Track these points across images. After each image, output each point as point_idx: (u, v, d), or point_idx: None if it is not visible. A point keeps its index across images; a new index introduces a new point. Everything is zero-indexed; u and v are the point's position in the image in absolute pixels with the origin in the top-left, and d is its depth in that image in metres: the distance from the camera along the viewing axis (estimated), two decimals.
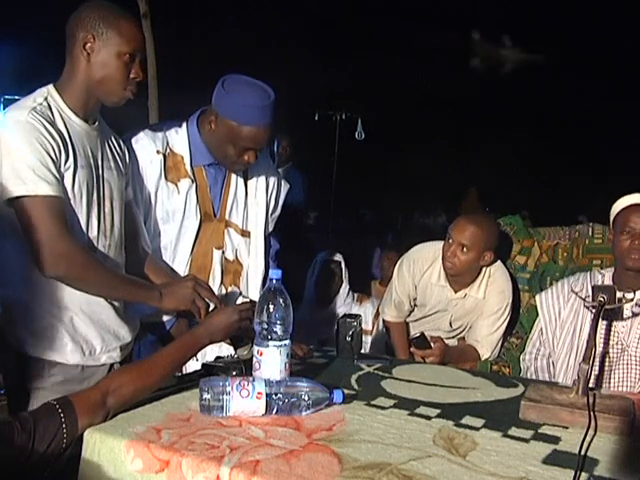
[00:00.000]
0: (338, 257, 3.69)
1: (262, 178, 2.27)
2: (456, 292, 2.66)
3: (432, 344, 2.38)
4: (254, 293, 2.22)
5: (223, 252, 2.18)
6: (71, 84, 1.74)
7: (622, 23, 8.14)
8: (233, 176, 2.19)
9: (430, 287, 2.69)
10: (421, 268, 2.70)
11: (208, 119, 2.06)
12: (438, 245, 2.67)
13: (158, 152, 2.06)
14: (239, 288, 2.23)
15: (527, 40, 8.89)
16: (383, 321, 2.94)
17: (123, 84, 1.75)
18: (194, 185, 2.11)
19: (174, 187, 2.08)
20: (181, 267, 2.10)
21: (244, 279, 2.24)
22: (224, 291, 2.19)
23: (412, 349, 2.43)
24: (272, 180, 2.31)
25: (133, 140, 2.05)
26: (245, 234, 2.23)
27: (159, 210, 2.07)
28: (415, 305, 2.80)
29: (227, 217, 2.19)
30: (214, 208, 2.16)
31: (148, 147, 2.05)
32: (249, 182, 2.24)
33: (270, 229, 2.36)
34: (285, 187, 2.39)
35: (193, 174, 2.11)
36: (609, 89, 8.64)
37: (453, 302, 2.67)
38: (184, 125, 2.13)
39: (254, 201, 2.25)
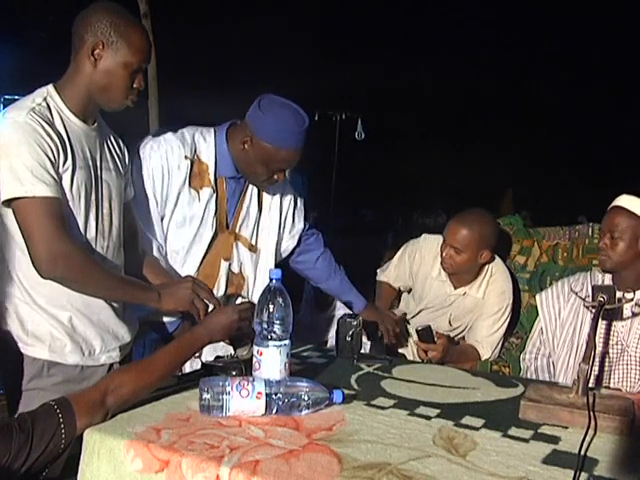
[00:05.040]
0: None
1: (277, 197, 2.30)
2: (456, 289, 2.66)
3: (436, 339, 2.39)
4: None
5: (230, 264, 2.20)
6: (73, 85, 1.74)
7: (622, 24, 8.15)
8: (249, 191, 2.22)
9: (430, 280, 2.70)
10: (422, 258, 2.72)
11: (241, 138, 2.07)
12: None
13: (186, 157, 2.07)
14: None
15: (528, 41, 8.89)
16: (377, 282, 2.96)
17: (125, 93, 1.76)
18: (215, 195, 2.13)
19: (196, 194, 2.10)
20: (189, 273, 2.10)
21: (245, 292, 2.26)
22: (227, 299, 2.20)
23: (416, 340, 2.44)
24: (287, 199, 2.35)
25: (162, 140, 2.06)
26: (252, 248, 2.26)
27: (177, 214, 2.09)
28: (410, 292, 2.83)
29: (237, 230, 2.21)
30: (227, 220, 2.19)
31: (177, 151, 2.06)
32: (264, 199, 2.27)
33: (294, 244, 2.41)
34: (301, 201, 2.42)
35: (215, 184, 2.13)
36: (609, 90, 8.64)
37: (452, 298, 2.68)
38: (212, 134, 2.14)
39: (267, 218, 2.28)
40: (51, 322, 1.71)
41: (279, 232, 2.31)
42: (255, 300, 2.22)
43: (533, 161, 8.83)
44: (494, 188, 6.75)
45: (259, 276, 2.27)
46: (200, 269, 2.13)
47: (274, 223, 2.29)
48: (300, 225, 2.41)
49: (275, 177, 2.11)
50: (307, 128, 2.04)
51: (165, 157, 2.04)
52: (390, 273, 2.88)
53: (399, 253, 2.85)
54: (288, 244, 2.40)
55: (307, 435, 1.37)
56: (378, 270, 3.00)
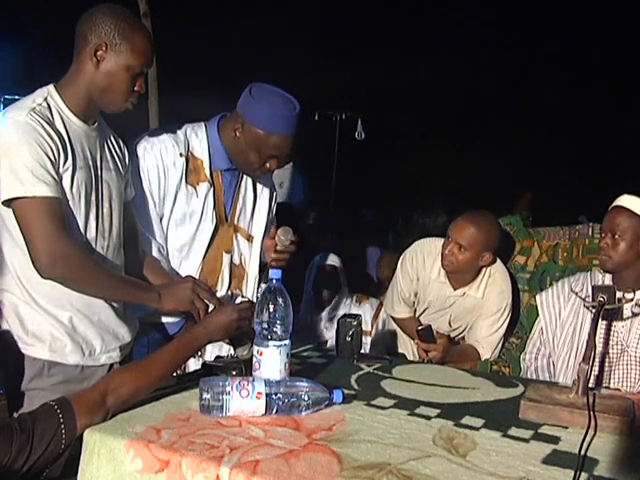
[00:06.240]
0: (335, 261, 3.65)
1: (267, 187, 2.33)
2: (455, 289, 2.66)
3: (437, 339, 2.39)
4: (251, 297, 2.24)
5: (231, 256, 2.21)
6: (74, 85, 1.74)
7: (622, 24, 8.15)
8: (244, 182, 2.23)
9: (430, 282, 2.69)
10: (424, 261, 2.71)
11: (233, 126, 2.08)
12: (441, 241, 2.66)
13: (181, 155, 2.08)
14: (242, 292, 2.25)
15: (528, 41, 8.89)
16: (393, 319, 2.89)
17: (126, 96, 1.76)
18: (212, 189, 2.14)
19: (193, 190, 2.10)
20: (193, 269, 2.11)
21: (244, 284, 2.27)
22: (231, 294, 2.20)
23: (416, 340, 2.44)
24: (273, 190, 2.39)
25: (155, 140, 2.06)
26: (250, 239, 2.27)
27: (176, 212, 2.09)
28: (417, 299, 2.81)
29: (236, 222, 2.23)
30: (226, 212, 2.20)
31: (172, 149, 2.06)
32: (257, 189, 2.29)
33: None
34: (277, 195, 2.46)
35: (212, 178, 2.14)
36: (609, 90, 8.64)
37: (451, 299, 2.67)
38: (203, 129, 2.15)
39: (260, 207, 2.30)
40: (51, 322, 1.71)
41: (267, 220, 2.33)
42: (252, 293, 2.26)
43: (533, 161, 8.82)
44: (494, 188, 6.75)
45: (254, 265, 2.28)
46: (203, 264, 2.14)
47: (264, 212, 2.31)
48: (273, 220, 2.42)
49: (267, 165, 2.11)
50: (298, 114, 2.05)
51: (160, 157, 2.04)
52: (400, 299, 2.78)
53: (399, 269, 2.79)
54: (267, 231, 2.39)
55: (307, 435, 1.37)
56: (387, 309, 2.92)
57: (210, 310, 1.86)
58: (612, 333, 2.20)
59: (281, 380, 1.52)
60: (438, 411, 1.57)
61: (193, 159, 2.11)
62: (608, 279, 2.25)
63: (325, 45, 8.61)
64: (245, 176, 2.23)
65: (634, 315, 2.18)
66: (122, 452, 1.30)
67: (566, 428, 1.49)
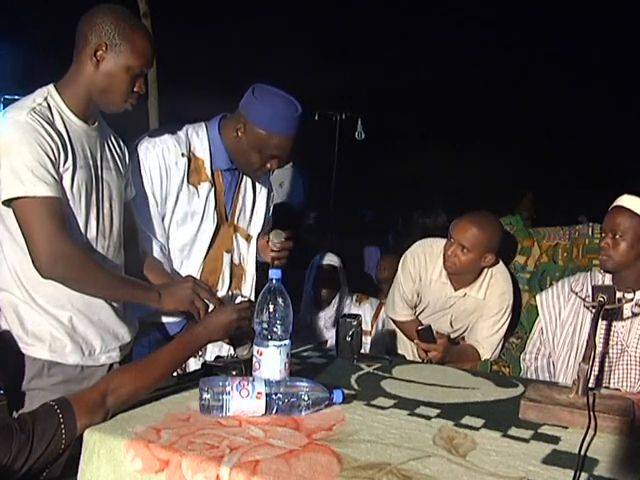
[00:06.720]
0: (335, 261, 3.65)
1: (265, 187, 2.34)
2: (456, 290, 2.65)
3: (437, 339, 2.39)
4: (249, 296, 2.25)
5: (232, 256, 2.22)
6: (74, 85, 1.74)
7: (622, 24, 8.15)
8: (244, 182, 2.25)
9: (432, 283, 2.69)
10: (425, 262, 2.69)
11: (235, 126, 2.09)
12: (442, 242, 2.66)
13: (183, 155, 2.09)
14: (241, 291, 2.25)
15: (528, 41, 8.89)
16: (394, 322, 2.87)
17: (125, 96, 1.76)
18: (213, 189, 2.15)
19: (194, 190, 2.11)
20: (194, 269, 2.12)
21: (243, 283, 2.28)
22: (231, 294, 2.21)
23: (416, 340, 2.44)
24: (271, 190, 2.40)
25: (157, 140, 2.06)
26: (248, 238, 2.29)
27: (178, 212, 2.10)
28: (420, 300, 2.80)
29: (235, 222, 2.24)
30: (226, 212, 2.21)
31: (174, 149, 2.07)
32: (256, 189, 2.31)
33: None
34: (274, 195, 2.49)
35: (213, 178, 2.15)
36: (609, 90, 8.64)
37: (452, 300, 2.67)
38: (204, 129, 2.16)
39: (258, 207, 2.31)
40: (51, 322, 1.71)
41: (264, 219, 2.34)
42: (250, 292, 2.26)
43: (533, 161, 8.83)
44: (494, 188, 6.75)
45: (252, 265, 2.29)
46: (204, 264, 2.15)
47: (262, 211, 2.33)
48: (269, 219, 2.43)
49: (268, 165, 2.12)
50: (300, 116, 2.07)
51: (162, 156, 2.05)
52: (402, 301, 2.76)
53: (400, 270, 2.76)
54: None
55: (307, 435, 1.37)
56: (388, 312, 2.88)
57: (210, 310, 1.86)
58: (612, 333, 2.20)
59: (281, 380, 1.52)
60: (438, 411, 1.57)
61: (195, 159, 2.12)
62: (608, 279, 2.25)
63: (325, 45, 8.62)
64: (244, 176, 2.24)
65: (634, 315, 2.18)
66: (122, 452, 1.30)
67: (566, 428, 1.49)
